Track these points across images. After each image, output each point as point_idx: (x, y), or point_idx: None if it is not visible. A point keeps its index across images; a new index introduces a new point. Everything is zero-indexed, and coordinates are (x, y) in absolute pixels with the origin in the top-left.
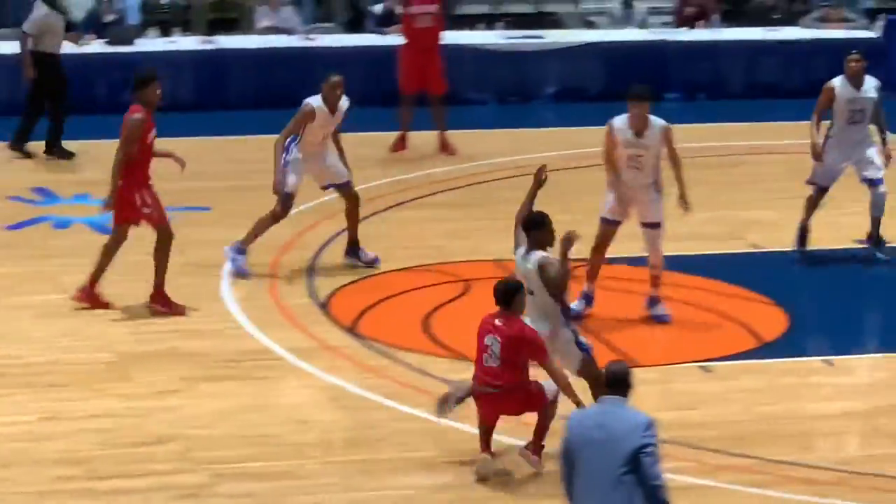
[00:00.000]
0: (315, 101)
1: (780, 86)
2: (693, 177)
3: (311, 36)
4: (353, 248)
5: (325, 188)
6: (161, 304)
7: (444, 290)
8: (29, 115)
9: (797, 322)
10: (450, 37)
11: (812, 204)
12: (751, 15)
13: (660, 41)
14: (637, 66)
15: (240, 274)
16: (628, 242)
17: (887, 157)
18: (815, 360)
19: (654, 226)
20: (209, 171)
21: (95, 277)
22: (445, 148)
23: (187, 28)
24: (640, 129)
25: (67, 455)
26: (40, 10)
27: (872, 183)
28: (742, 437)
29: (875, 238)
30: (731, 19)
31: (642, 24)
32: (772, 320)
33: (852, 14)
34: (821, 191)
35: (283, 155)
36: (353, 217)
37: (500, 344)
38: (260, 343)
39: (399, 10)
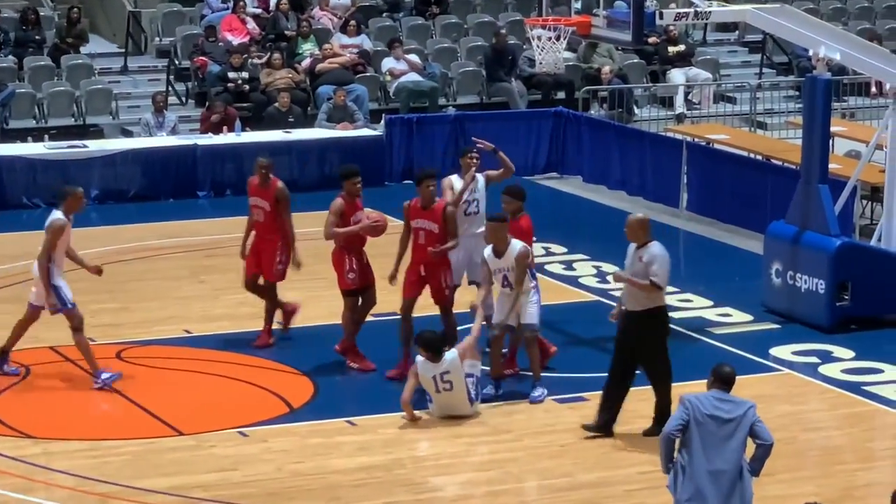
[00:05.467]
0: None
1: (298, 181)
2: (224, 264)
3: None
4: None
5: None
6: None
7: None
8: None
9: (322, 389)
10: (2, 149)
11: None
12: (268, 120)
13: (191, 145)
14: (172, 169)
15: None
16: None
17: None
18: (340, 421)
19: None
20: None
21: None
22: None
23: None
24: None
25: None
26: None
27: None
28: (276, 493)
29: None
30: (251, 124)
31: (173, 131)
32: (299, 388)
33: (358, 115)
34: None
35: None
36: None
37: None
38: None
39: None
